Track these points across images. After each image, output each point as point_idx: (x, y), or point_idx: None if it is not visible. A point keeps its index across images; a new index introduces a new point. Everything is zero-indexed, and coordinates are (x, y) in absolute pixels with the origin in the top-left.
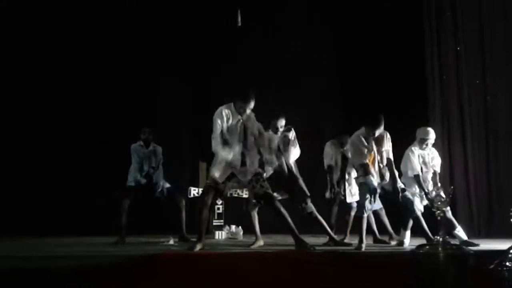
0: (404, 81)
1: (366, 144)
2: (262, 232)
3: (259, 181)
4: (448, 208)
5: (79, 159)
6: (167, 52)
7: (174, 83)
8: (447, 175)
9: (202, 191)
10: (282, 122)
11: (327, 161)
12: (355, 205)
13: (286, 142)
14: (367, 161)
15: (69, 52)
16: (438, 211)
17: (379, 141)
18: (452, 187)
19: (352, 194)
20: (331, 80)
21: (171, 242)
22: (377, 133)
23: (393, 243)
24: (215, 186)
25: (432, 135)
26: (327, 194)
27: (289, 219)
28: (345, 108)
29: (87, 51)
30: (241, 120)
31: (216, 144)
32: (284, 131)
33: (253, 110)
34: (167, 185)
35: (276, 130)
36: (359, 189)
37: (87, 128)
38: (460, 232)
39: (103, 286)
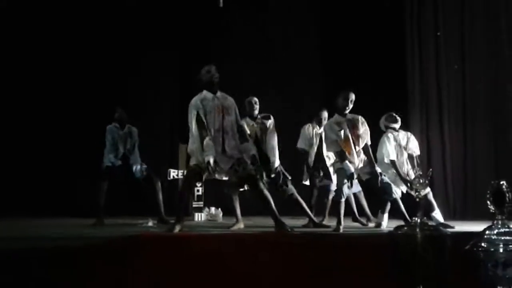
0: (383, 67)
1: (338, 130)
2: (242, 214)
3: (241, 164)
4: (429, 189)
5: (68, 141)
6: (160, 48)
7: (162, 73)
8: (424, 159)
9: (186, 174)
10: (254, 99)
11: (300, 145)
12: (333, 188)
13: (263, 130)
14: (342, 147)
15: (67, 47)
16: (417, 193)
17: (354, 125)
18: (431, 169)
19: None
20: (313, 65)
21: (150, 224)
22: (349, 115)
23: (371, 225)
24: (199, 170)
25: (397, 118)
26: (304, 178)
27: (271, 201)
28: (326, 94)
29: (84, 49)
30: (216, 100)
31: (192, 143)
32: (262, 117)
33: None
34: (144, 166)
35: (251, 110)
36: (337, 174)
37: (77, 113)
38: (437, 214)
39: (82, 267)
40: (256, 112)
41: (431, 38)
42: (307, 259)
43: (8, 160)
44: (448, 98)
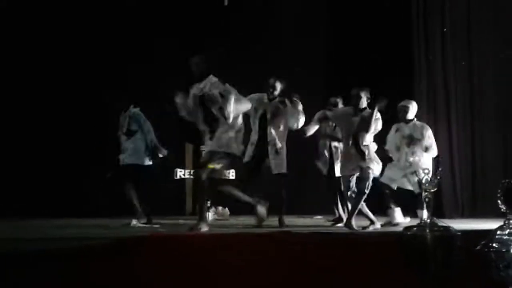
0: (390, 61)
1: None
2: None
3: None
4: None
5: (72, 142)
6: (159, 38)
7: (165, 66)
8: None
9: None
10: (278, 84)
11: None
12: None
13: (275, 111)
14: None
15: (67, 44)
16: (426, 193)
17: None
18: (440, 169)
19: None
20: (317, 57)
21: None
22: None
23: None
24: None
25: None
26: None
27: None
28: (329, 86)
29: (85, 47)
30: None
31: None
32: (279, 101)
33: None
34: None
35: (271, 90)
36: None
37: (81, 112)
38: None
39: (93, 268)
40: (273, 96)
41: (438, 34)
42: (314, 258)
43: (14, 160)
44: (455, 95)
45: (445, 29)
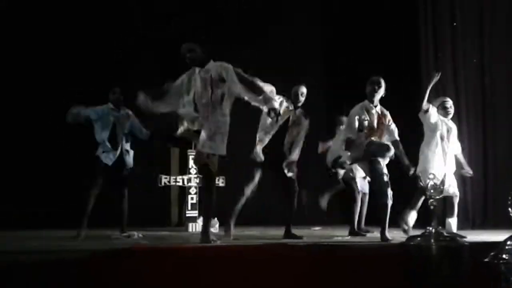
0: (397, 58)
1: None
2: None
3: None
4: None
5: (50, 153)
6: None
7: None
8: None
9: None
10: (303, 89)
11: None
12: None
13: (295, 123)
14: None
15: (67, 44)
16: (431, 200)
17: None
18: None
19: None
20: (317, 59)
21: (136, 236)
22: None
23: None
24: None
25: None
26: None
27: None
28: (331, 87)
29: (81, 44)
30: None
31: None
32: (302, 113)
33: None
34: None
35: (296, 98)
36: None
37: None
38: (452, 222)
39: (74, 281)
40: (299, 104)
41: (447, 28)
42: (313, 272)
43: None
44: (466, 94)
45: (454, 24)
